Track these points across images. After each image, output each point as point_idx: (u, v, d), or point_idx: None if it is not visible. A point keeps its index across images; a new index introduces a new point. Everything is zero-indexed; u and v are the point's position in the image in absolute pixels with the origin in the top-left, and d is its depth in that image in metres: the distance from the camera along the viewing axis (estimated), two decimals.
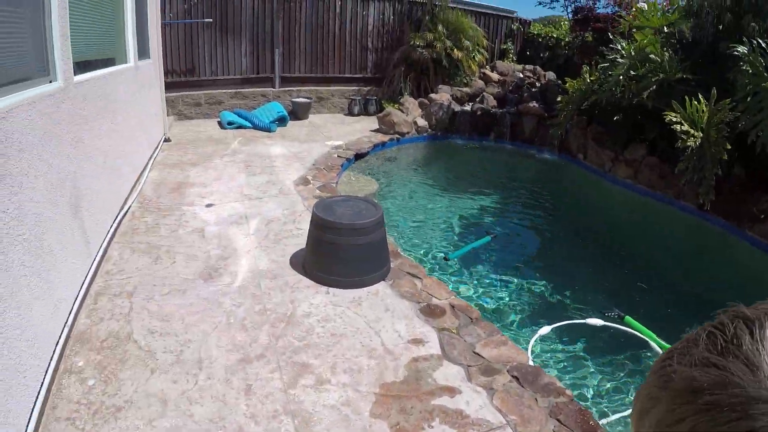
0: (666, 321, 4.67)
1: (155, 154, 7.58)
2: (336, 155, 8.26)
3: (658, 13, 8.15)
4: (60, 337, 3.32)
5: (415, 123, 10.71)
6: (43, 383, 3.00)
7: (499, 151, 11.16)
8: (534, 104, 11.44)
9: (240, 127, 9.87)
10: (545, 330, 4.27)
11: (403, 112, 10.63)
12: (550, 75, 13.14)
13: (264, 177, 6.94)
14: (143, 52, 7.19)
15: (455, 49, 11.71)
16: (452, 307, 4.12)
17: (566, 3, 11.83)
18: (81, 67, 4.16)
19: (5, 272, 2.56)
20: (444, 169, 9.63)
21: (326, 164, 7.70)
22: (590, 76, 8.70)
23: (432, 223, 6.89)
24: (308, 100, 11.16)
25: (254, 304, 3.89)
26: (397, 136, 10.21)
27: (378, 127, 10.38)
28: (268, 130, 9.84)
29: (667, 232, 7.66)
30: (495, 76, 12.64)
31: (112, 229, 4.80)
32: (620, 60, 8.05)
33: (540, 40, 14.15)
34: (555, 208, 8.50)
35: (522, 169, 10.47)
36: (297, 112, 11.01)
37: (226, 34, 10.55)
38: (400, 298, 4.11)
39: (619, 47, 8.21)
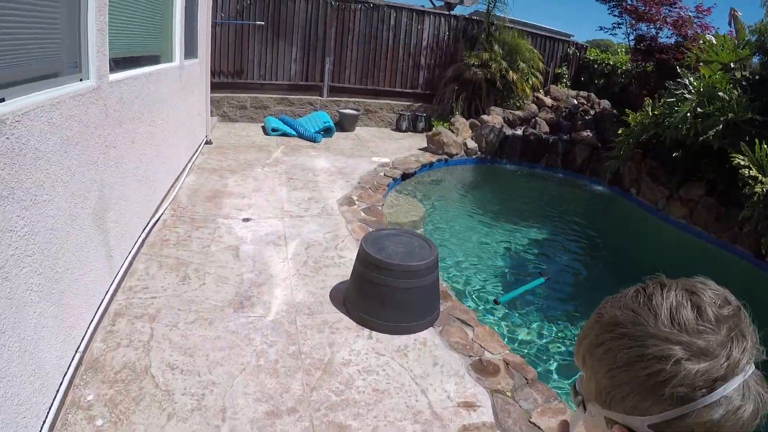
0: None
1: (194, 157, 7.28)
2: (382, 173, 7.84)
3: (728, 49, 7.54)
4: (71, 361, 2.94)
5: (465, 144, 10.24)
6: (45, 420, 2.62)
7: (549, 180, 10.61)
8: (587, 133, 10.91)
9: (284, 134, 9.54)
10: None
11: (453, 132, 10.18)
12: (605, 103, 12.55)
13: (306, 193, 6.55)
14: (190, 51, 6.90)
15: (510, 71, 11.22)
16: (506, 364, 3.63)
17: (628, 30, 11.23)
18: (119, 64, 3.80)
19: (7, 300, 2.18)
20: (492, 196, 9.12)
21: (372, 183, 7.28)
22: (653, 110, 8.12)
23: (479, 256, 6.39)
24: (356, 112, 10.79)
25: (288, 344, 3.45)
26: (446, 156, 9.75)
27: (426, 145, 9.94)
28: (313, 140, 9.48)
29: (721, 277, 6.92)
30: (548, 101, 12.11)
31: (140, 240, 4.44)
32: (688, 96, 7.46)
33: (595, 66, 13.56)
34: (606, 246, 7.94)
35: (572, 201, 9.90)
36: (344, 124, 10.65)
37: (277, 38, 10.26)
38: (450, 350, 3.63)
39: (687, 82, 7.62)
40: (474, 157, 10.46)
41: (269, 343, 3.43)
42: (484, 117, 10.85)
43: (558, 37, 13.52)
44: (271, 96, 10.44)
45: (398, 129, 11.39)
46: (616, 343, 0.72)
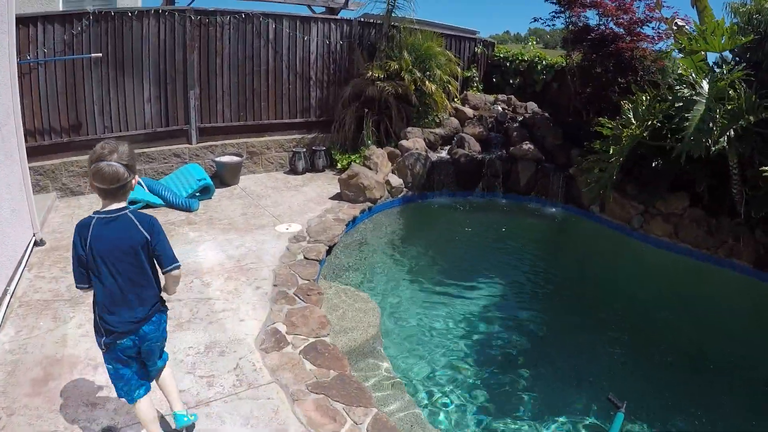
0: None
1: (16, 279, 4.55)
2: (301, 255, 5.46)
3: (724, 35, 5.84)
4: None
5: (388, 183, 8.03)
6: None
7: (492, 209, 8.76)
8: (529, 146, 9.16)
9: (147, 205, 6.81)
10: None
11: (370, 168, 7.93)
12: (532, 106, 10.95)
13: (199, 333, 4.00)
14: None
15: (427, 82, 9.14)
16: None
17: (568, 20, 9.42)
18: None
19: None
20: (433, 249, 7.00)
21: (294, 279, 4.88)
22: (645, 116, 6.31)
23: (452, 364, 4.36)
24: (238, 159, 8.23)
25: None
26: (369, 204, 7.48)
27: (340, 191, 7.61)
28: (187, 209, 6.85)
29: (722, 297, 6.18)
30: (469, 111, 10.24)
31: None
32: (696, 98, 5.71)
33: (508, 64, 11.88)
34: (582, 281, 6.52)
35: (527, 232, 8.06)
36: (224, 176, 8.06)
37: (123, 73, 7.50)
38: None
39: (693, 79, 5.88)
40: (400, 196, 8.28)
41: None
42: (404, 143, 8.71)
43: (464, 35, 11.67)
44: None
45: (294, 171, 8.94)
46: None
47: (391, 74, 9.15)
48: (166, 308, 2.76)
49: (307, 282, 4.87)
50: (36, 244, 5.54)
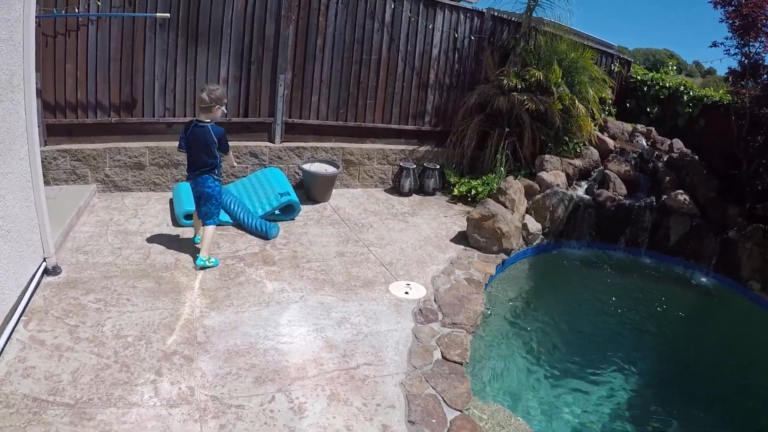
0: None
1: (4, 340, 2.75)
2: (438, 351, 3.49)
3: None
4: None
5: (525, 227, 6.01)
6: None
7: (636, 271, 6.78)
8: (684, 197, 7.09)
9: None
10: None
11: (506, 206, 5.88)
12: (678, 144, 8.78)
13: None
14: None
15: (577, 101, 7.10)
16: None
17: (740, 48, 7.30)
18: None
19: None
20: (587, 328, 5.02)
21: (439, 413, 2.92)
22: None
23: None
24: (333, 170, 6.32)
25: None
26: (503, 256, 5.47)
27: (467, 232, 5.62)
28: (264, 235, 4.97)
29: None
30: (610, 141, 8.11)
31: None
32: None
33: (645, 88, 9.74)
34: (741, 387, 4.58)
35: (677, 307, 5.97)
36: (312, 190, 6.17)
37: (195, 42, 5.70)
38: None
39: None
40: (534, 244, 6.24)
41: None
42: (544, 176, 6.67)
43: (603, 48, 9.54)
44: None
45: (398, 191, 6.99)
46: None
47: (530, 85, 7.14)
48: (215, 174, 4.29)
49: (458, 414, 2.90)
50: (47, 272, 3.72)
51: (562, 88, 6.99)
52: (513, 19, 7.70)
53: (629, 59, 10.41)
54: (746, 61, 7.53)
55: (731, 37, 7.49)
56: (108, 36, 5.27)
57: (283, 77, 6.24)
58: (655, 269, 6.88)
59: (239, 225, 5.10)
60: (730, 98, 8.06)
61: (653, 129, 9.18)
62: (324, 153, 6.59)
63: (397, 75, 7.01)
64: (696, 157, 8.25)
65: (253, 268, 4.31)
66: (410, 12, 6.87)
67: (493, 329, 4.43)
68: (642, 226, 7.15)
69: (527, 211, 6.34)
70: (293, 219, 5.53)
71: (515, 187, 6.05)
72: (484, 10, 7.47)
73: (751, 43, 7.32)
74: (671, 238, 7.14)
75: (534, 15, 7.44)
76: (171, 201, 5.43)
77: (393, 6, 6.73)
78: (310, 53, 6.38)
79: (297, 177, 6.41)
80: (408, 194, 6.91)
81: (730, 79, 8.06)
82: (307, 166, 6.19)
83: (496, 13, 7.60)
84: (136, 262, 4.14)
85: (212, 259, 4.30)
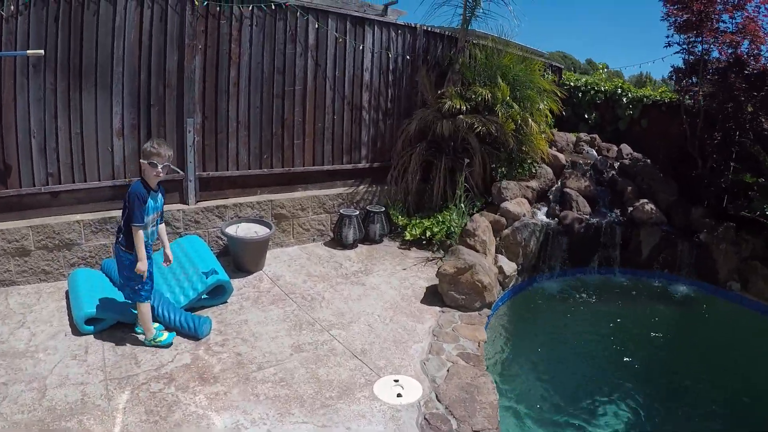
0: None
1: None
2: None
3: None
4: None
5: (501, 270, 5.15)
6: None
7: (614, 292, 6.32)
8: (650, 206, 6.65)
9: (119, 322, 3.78)
10: None
11: (477, 250, 4.99)
12: (625, 148, 8.41)
13: None
14: None
15: (530, 120, 6.39)
16: None
17: (694, 48, 7.04)
18: None
19: None
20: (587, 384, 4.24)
21: None
22: None
23: None
24: (266, 232, 5.17)
25: None
26: (486, 311, 4.57)
27: (440, 290, 4.66)
28: (192, 334, 3.78)
29: None
30: (561, 156, 7.50)
31: None
32: None
33: (579, 95, 9.35)
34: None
35: (662, 327, 5.51)
36: (241, 258, 5.02)
37: (79, 85, 4.48)
38: None
39: None
40: (510, 287, 5.42)
41: None
42: (509, 207, 5.89)
43: (536, 57, 8.96)
44: (78, 217, 4.59)
45: (340, 243, 5.93)
46: None
47: (477, 105, 6.35)
48: (122, 244, 3.47)
49: None
50: None
51: (512, 106, 6.24)
52: (448, 33, 6.93)
53: (560, 66, 9.96)
54: (691, 58, 7.29)
55: (671, 35, 7.24)
56: None
57: (191, 121, 5.09)
58: (632, 287, 6.57)
59: (161, 321, 3.90)
60: (677, 96, 7.75)
61: (596, 136, 8.76)
62: (250, 209, 5.46)
63: (326, 107, 6.00)
64: (648, 160, 7.92)
65: (188, 393, 3.13)
66: (336, 31, 5.91)
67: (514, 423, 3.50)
68: (611, 243, 6.62)
69: (497, 250, 5.49)
70: (225, 302, 4.37)
71: (483, 226, 5.17)
72: (416, 26, 6.62)
73: (697, 39, 7.02)
74: (643, 251, 6.85)
75: (470, 28, 6.71)
76: (67, 294, 4.16)
77: (317, 26, 5.74)
78: (222, 89, 5.26)
79: (221, 242, 5.26)
80: (353, 246, 5.88)
81: (674, 77, 7.77)
82: (232, 230, 5.03)
83: (428, 29, 6.78)
84: (28, 407, 2.87)
85: (160, 337, 3.62)
